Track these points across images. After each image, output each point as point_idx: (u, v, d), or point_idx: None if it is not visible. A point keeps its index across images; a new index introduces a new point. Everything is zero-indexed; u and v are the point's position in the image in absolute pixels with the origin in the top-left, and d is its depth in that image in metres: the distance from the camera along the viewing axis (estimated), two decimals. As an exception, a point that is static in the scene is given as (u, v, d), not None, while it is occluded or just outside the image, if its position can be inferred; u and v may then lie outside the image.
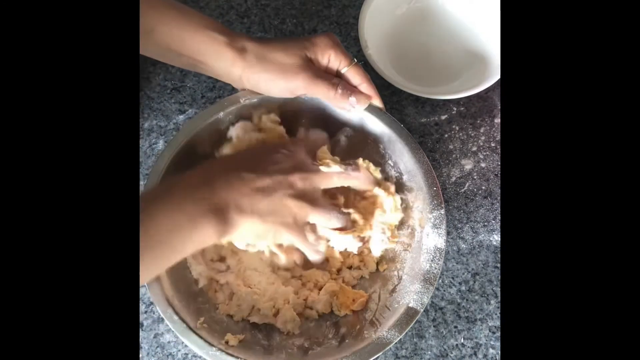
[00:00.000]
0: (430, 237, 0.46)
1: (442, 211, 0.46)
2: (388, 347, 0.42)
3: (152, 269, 0.38)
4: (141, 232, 0.34)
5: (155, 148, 0.59)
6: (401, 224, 0.50)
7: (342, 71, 0.49)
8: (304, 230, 0.44)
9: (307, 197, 0.42)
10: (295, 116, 0.53)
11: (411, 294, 0.44)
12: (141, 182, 0.56)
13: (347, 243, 0.47)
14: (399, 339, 0.42)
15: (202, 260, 0.50)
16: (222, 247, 0.50)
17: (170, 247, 0.37)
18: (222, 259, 0.51)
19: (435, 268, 0.45)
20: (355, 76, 0.49)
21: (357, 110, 0.49)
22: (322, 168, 0.45)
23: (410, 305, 0.44)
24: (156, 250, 0.36)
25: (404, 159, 0.49)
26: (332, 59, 0.48)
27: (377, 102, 0.50)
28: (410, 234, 0.49)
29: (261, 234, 0.42)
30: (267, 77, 0.47)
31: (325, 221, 0.44)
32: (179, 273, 0.47)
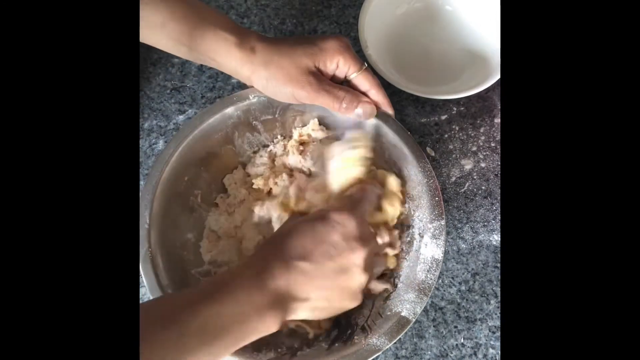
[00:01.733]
0: (428, 247, 0.46)
1: (443, 222, 0.46)
2: (376, 355, 0.42)
3: (214, 357, 0.36)
4: (208, 320, 0.34)
5: (155, 148, 0.59)
6: (401, 232, 0.51)
7: (351, 77, 0.48)
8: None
9: (369, 265, 0.42)
10: (302, 116, 0.53)
11: (405, 303, 0.44)
12: (141, 182, 0.56)
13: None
14: (388, 347, 0.42)
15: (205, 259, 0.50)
16: (224, 246, 0.51)
17: (235, 337, 0.36)
18: (224, 262, 0.51)
19: (431, 279, 0.45)
20: (364, 82, 0.48)
21: (364, 120, 0.49)
22: (378, 240, 0.46)
23: (403, 314, 0.44)
24: (222, 340, 0.35)
25: (408, 167, 0.49)
26: (340, 64, 0.47)
27: (387, 108, 0.49)
28: (408, 242, 0.49)
29: (321, 314, 0.41)
30: (273, 83, 0.46)
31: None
32: (179, 271, 0.47)
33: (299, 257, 0.39)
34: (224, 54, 0.46)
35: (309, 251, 0.39)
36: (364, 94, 0.49)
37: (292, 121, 0.54)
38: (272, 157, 0.55)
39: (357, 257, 0.40)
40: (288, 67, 0.45)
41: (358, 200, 0.46)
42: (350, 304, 0.42)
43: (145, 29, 0.45)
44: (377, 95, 0.48)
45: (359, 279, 0.41)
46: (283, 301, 0.38)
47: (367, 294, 0.48)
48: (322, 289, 0.39)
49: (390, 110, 0.49)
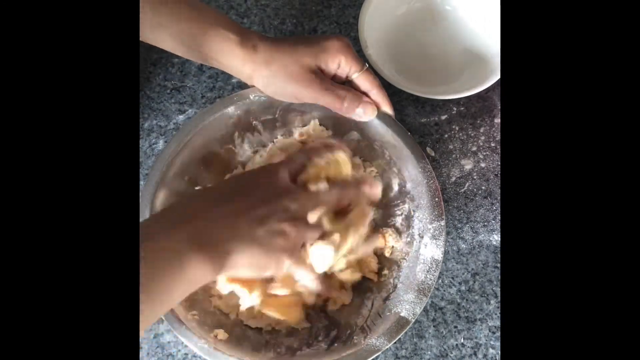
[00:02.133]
0: (428, 248, 0.46)
1: (442, 223, 0.46)
2: (376, 355, 0.42)
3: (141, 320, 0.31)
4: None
5: (155, 148, 0.59)
6: (400, 233, 0.50)
7: (353, 77, 0.48)
8: (302, 255, 0.41)
9: (301, 220, 0.40)
10: (302, 116, 0.53)
11: (404, 304, 0.44)
12: (141, 182, 0.56)
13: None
14: (387, 347, 0.42)
15: None
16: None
17: (156, 294, 0.32)
18: None
19: (430, 279, 0.45)
20: (365, 82, 0.48)
21: (365, 120, 0.49)
22: (310, 186, 0.42)
23: (402, 314, 0.44)
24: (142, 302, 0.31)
25: (408, 167, 0.49)
26: (342, 64, 0.47)
27: (387, 108, 0.49)
28: (408, 243, 0.49)
29: (262, 264, 0.38)
30: (274, 82, 0.46)
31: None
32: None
33: (230, 200, 0.38)
34: (226, 53, 0.46)
35: (241, 193, 0.39)
36: (365, 94, 0.49)
37: (293, 121, 0.54)
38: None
39: (289, 201, 0.39)
40: (290, 65, 0.45)
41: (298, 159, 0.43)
42: (291, 254, 0.39)
43: (147, 29, 0.45)
44: (377, 95, 0.49)
45: (295, 227, 0.38)
46: (212, 245, 0.35)
47: (364, 289, 0.48)
48: (258, 228, 0.37)
49: (390, 111, 0.49)
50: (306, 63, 0.46)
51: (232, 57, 0.46)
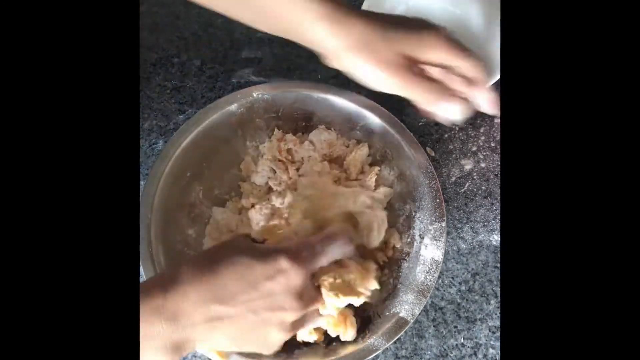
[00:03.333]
0: (428, 249, 0.46)
1: (443, 224, 0.46)
2: (374, 355, 0.42)
3: None
4: None
5: (155, 148, 0.59)
6: (401, 233, 0.51)
7: (452, 67, 0.42)
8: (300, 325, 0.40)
9: (297, 324, 0.38)
10: (305, 115, 0.53)
11: (403, 304, 0.44)
12: (141, 182, 0.56)
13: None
14: (385, 347, 0.42)
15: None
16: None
17: None
18: None
19: (430, 280, 0.45)
20: (466, 76, 0.41)
21: (457, 119, 0.42)
22: (321, 310, 0.41)
23: (401, 315, 0.44)
24: None
25: (410, 168, 0.49)
26: (443, 59, 0.41)
27: (488, 108, 0.42)
28: (409, 244, 0.49)
29: (240, 336, 0.36)
30: (363, 66, 0.40)
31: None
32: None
33: (217, 299, 0.34)
34: (310, 22, 0.40)
35: (233, 295, 0.35)
36: (462, 90, 0.42)
37: (296, 119, 0.54)
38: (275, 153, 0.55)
39: (287, 316, 0.36)
40: (384, 50, 0.40)
41: (321, 249, 0.40)
42: (259, 350, 0.38)
43: (234, 7, 0.41)
44: (479, 92, 0.42)
45: (278, 337, 0.37)
46: (179, 344, 0.34)
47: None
48: (231, 335, 0.36)
49: (493, 110, 0.42)
50: (401, 51, 0.40)
51: (317, 28, 0.40)
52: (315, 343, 0.46)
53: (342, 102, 0.52)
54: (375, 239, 0.48)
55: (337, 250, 0.41)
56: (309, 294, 0.39)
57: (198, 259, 0.38)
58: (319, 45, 0.41)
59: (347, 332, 0.44)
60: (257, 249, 0.38)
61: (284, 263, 0.36)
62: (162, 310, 0.33)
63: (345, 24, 0.39)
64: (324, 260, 0.40)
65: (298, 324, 0.39)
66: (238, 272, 0.35)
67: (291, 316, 0.37)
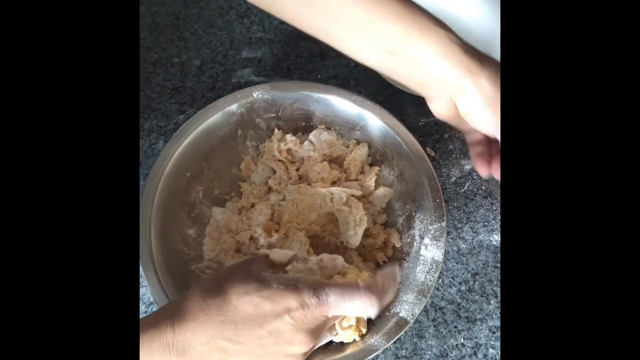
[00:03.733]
0: (428, 249, 0.46)
1: (443, 224, 0.46)
2: (374, 355, 0.42)
3: None
4: None
5: (155, 148, 0.59)
6: (401, 233, 0.51)
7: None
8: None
9: (307, 354, 0.38)
10: (305, 115, 0.53)
11: (403, 304, 0.44)
12: (141, 182, 0.56)
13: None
14: (385, 347, 0.42)
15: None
16: (226, 241, 0.51)
17: None
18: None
19: (430, 280, 0.45)
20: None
21: (482, 173, 0.44)
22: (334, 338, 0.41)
23: (401, 315, 0.44)
24: None
25: (410, 168, 0.50)
26: None
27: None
28: (409, 244, 0.49)
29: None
30: (487, 103, 0.37)
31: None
32: (179, 266, 0.47)
33: (224, 337, 0.34)
34: (447, 57, 0.37)
35: (240, 333, 0.34)
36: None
37: (296, 119, 0.54)
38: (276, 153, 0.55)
39: (297, 349, 0.36)
40: (496, 92, 0.37)
41: (336, 302, 0.36)
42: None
43: (338, 29, 0.39)
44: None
45: None
46: None
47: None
48: None
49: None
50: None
51: (454, 63, 0.37)
52: None
53: (342, 102, 0.52)
54: (352, 238, 0.48)
55: (354, 309, 0.36)
56: (320, 327, 0.37)
57: (207, 288, 0.37)
58: (450, 81, 0.38)
59: (354, 334, 0.44)
60: (269, 283, 0.36)
61: (293, 303, 0.35)
62: (172, 347, 0.34)
63: (482, 59, 0.38)
64: (336, 312, 0.36)
65: (309, 351, 0.38)
66: (246, 312, 0.35)
67: (301, 349, 0.36)
